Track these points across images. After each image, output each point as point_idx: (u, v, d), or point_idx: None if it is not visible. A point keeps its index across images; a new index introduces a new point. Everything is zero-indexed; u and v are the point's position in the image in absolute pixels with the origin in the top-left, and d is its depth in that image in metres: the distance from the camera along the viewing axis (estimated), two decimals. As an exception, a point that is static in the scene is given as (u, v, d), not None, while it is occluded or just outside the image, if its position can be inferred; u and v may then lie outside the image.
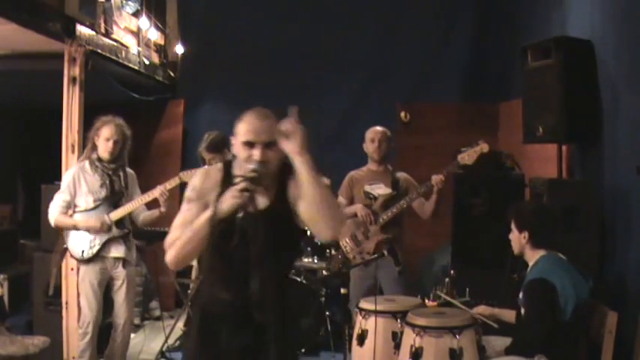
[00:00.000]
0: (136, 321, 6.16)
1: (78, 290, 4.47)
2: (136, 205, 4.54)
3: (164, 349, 5.25)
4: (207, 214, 2.41)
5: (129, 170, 4.64)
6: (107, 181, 4.48)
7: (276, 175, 2.56)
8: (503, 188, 4.69)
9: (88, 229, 4.39)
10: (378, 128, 4.82)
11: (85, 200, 4.43)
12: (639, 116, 3.63)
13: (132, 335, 5.02)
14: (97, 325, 4.47)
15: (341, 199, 4.78)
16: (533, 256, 3.45)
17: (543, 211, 3.58)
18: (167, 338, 5.28)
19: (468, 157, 4.35)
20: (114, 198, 4.50)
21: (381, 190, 4.65)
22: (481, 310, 3.73)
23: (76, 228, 4.41)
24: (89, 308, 4.42)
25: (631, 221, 3.71)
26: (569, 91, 4.10)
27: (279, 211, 2.53)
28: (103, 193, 4.46)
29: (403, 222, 4.77)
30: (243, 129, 2.51)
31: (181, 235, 2.49)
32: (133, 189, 4.65)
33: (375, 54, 7.22)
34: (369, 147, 4.79)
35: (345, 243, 4.67)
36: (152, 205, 4.61)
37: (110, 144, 4.45)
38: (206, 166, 2.74)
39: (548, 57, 4.22)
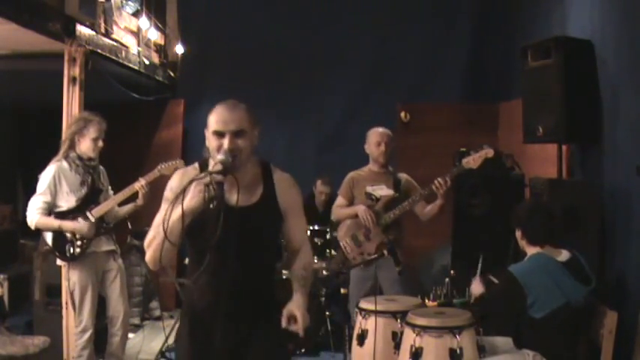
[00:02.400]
0: (136, 321, 6.16)
1: (71, 290, 4.39)
2: (117, 199, 4.50)
3: (164, 349, 5.26)
4: (177, 211, 2.39)
5: (101, 167, 4.60)
6: (88, 179, 4.42)
7: (259, 175, 2.62)
8: (503, 188, 4.69)
9: (73, 231, 4.32)
10: (382, 130, 4.74)
11: (66, 200, 4.35)
12: (639, 116, 3.63)
13: (131, 335, 5.03)
14: (94, 324, 4.44)
15: (341, 200, 4.77)
16: (530, 252, 3.52)
17: (536, 208, 3.62)
18: (167, 338, 5.28)
19: (472, 161, 4.29)
20: (94, 196, 4.44)
21: (382, 191, 4.62)
22: (476, 286, 3.81)
23: (60, 229, 4.33)
24: (86, 307, 4.38)
25: (631, 221, 3.71)
26: (569, 91, 4.10)
27: (265, 209, 2.59)
28: (83, 191, 4.39)
29: (404, 223, 4.75)
30: (213, 120, 2.56)
31: (157, 235, 2.48)
32: (107, 185, 4.63)
33: (375, 54, 7.23)
34: (374, 150, 4.71)
35: (346, 243, 4.65)
36: (129, 199, 4.59)
37: (99, 143, 4.41)
38: (183, 168, 2.74)
39: (548, 57, 4.22)
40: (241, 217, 2.46)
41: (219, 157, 2.47)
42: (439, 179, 4.36)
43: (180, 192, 2.39)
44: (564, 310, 3.27)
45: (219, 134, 2.52)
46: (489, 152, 4.27)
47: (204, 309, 2.58)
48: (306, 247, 2.78)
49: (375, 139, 4.72)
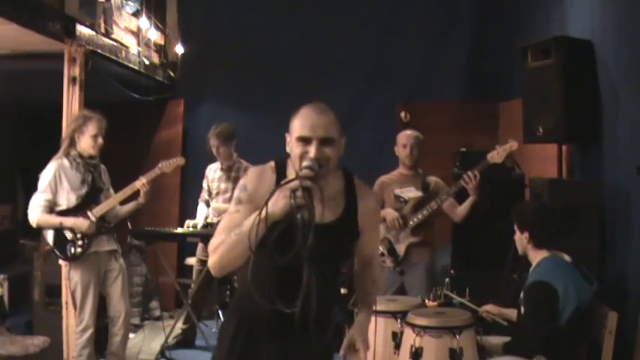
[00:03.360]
0: (136, 321, 6.16)
1: (72, 290, 4.39)
2: (118, 198, 4.50)
3: (164, 349, 5.26)
4: (255, 216, 2.17)
5: (102, 165, 4.59)
6: (89, 178, 4.41)
7: (343, 191, 2.42)
8: (503, 188, 4.69)
9: (74, 228, 4.32)
10: (409, 132, 4.73)
11: (67, 198, 4.35)
12: (639, 116, 3.63)
13: (131, 335, 5.02)
14: (95, 324, 4.44)
15: None
16: (535, 257, 3.44)
17: (544, 210, 3.56)
18: (167, 338, 5.29)
19: (497, 155, 4.27)
20: (94, 194, 4.44)
21: (411, 193, 4.59)
22: (489, 308, 3.75)
23: (62, 226, 4.32)
24: (87, 307, 4.39)
25: (631, 221, 3.72)
26: (569, 91, 4.11)
27: (344, 229, 2.39)
28: (84, 189, 4.38)
29: (433, 225, 4.70)
30: (299, 124, 2.31)
31: (226, 239, 2.27)
32: (108, 184, 4.62)
33: (375, 54, 7.23)
34: (401, 152, 4.70)
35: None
36: (131, 198, 4.59)
37: (99, 140, 4.40)
38: (259, 166, 2.52)
39: (548, 57, 4.22)
40: (319, 232, 2.18)
41: (306, 163, 2.23)
42: (468, 173, 4.32)
43: (269, 197, 2.17)
44: (575, 311, 3.26)
45: (305, 140, 2.27)
46: (514, 145, 4.24)
47: (257, 317, 2.40)
48: (377, 261, 2.63)
49: (401, 141, 4.72)
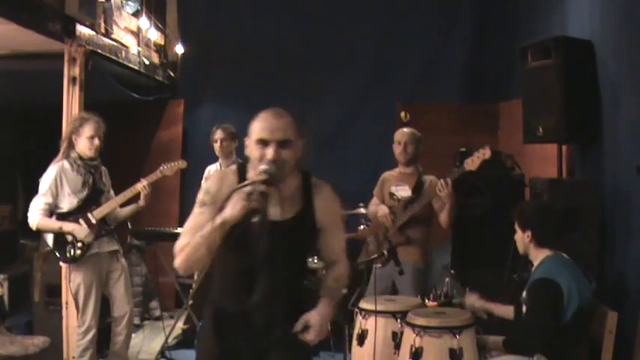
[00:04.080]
0: (136, 321, 6.15)
1: (75, 291, 4.39)
2: (119, 201, 4.50)
3: (164, 349, 5.26)
4: (217, 219, 2.31)
5: (103, 167, 4.60)
6: (89, 180, 4.41)
7: (299, 188, 2.50)
8: (503, 188, 4.69)
9: (73, 233, 4.31)
10: (405, 130, 4.76)
11: (68, 201, 4.35)
12: (639, 116, 3.63)
13: (132, 335, 5.02)
14: (97, 325, 4.45)
15: (374, 199, 4.83)
16: (537, 256, 3.44)
17: (545, 210, 3.56)
18: (167, 338, 5.29)
19: (471, 162, 4.30)
20: (95, 196, 4.44)
21: (404, 192, 4.64)
22: (473, 299, 3.77)
23: (61, 230, 4.32)
24: (90, 308, 4.38)
25: (631, 221, 3.71)
26: (569, 91, 4.10)
27: (303, 225, 2.47)
28: (85, 192, 4.39)
29: (430, 225, 4.69)
30: (257, 127, 2.43)
31: (191, 241, 2.38)
32: (109, 186, 4.62)
33: (375, 54, 7.23)
34: (395, 149, 4.73)
35: (370, 241, 4.75)
36: (131, 200, 4.60)
37: (95, 141, 4.39)
38: (222, 169, 2.67)
39: (548, 57, 4.22)
40: (276, 232, 2.34)
41: (263, 167, 2.35)
42: (440, 181, 4.35)
43: (224, 200, 2.30)
44: (577, 310, 3.26)
45: (263, 143, 2.39)
46: (486, 153, 4.26)
47: (231, 318, 2.48)
48: (342, 261, 2.66)
49: (396, 138, 4.76)
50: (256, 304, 2.37)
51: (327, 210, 2.53)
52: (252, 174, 2.42)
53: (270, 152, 2.37)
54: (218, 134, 5.49)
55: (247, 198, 2.28)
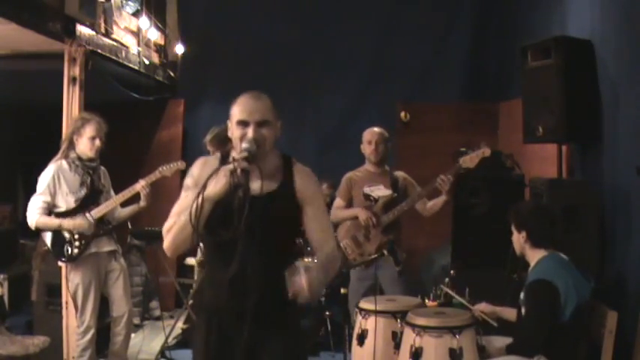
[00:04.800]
0: (136, 321, 6.16)
1: (73, 291, 4.39)
2: (118, 200, 4.51)
3: (164, 349, 5.26)
4: (198, 199, 2.39)
5: (102, 167, 4.60)
6: (87, 180, 4.41)
7: (280, 167, 2.60)
8: (503, 188, 4.68)
9: (74, 229, 4.32)
10: (375, 129, 4.78)
11: (65, 201, 4.35)
12: (639, 116, 3.63)
13: (131, 335, 5.02)
14: (96, 325, 4.44)
15: (339, 201, 4.76)
16: (534, 256, 3.44)
17: (541, 210, 3.58)
18: (167, 338, 5.29)
19: (470, 160, 4.31)
20: (94, 196, 4.43)
21: (380, 191, 4.63)
22: (482, 307, 3.74)
23: (60, 228, 4.32)
24: (88, 308, 4.39)
25: (631, 221, 3.71)
26: (569, 91, 4.10)
27: (283, 199, 2.55)
28: (83, 192, 4.39)
29: (402, 222, 4.75)
30: (237, 109, 2.56)
31: (177, 221, 2.49)
32: (109, 186, 4.62)
33: (375, 54, 7.23)
34: (366, 149, 4.75)
35: (346, 244, 4.64)
36: (132, 200, 4.60)
37: (96, 142, 4.40)
38: (205, 156, 2.73)
39: (548, 57, 4.22)
40: (257, 205, 2.41)
41: (244, 145, 2.47)
42: (442, 176, 4.37)
43: (207, 178, 2.39)
44: (575, 309, 3.27)
45: (244, 124, 2.52)
46: (486, 151, 4.27)
47: (222, 306, 2.53)
48: (330, 239, 2.68)
49: (366, 137, 4.77)
50: (234, 276, 2.43)
51: (307, 185, 2.61)
52: (234, 155, 2.52)
53: (250, 132, 2.50)
54: (209, 147, 5.45)
55: (230, 174, 2.39)
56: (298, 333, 2.68)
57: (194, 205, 2.37)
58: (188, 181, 2.60)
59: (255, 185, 2.45)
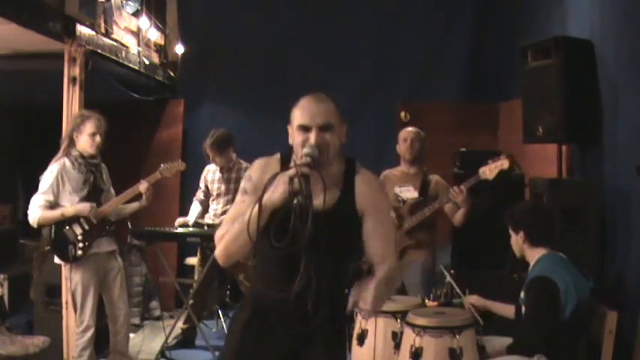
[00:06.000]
0: (136, 321, 6.16)
1: (73, 290, 4.38)
2: (120, 200, 4.51)
3: (164, 349, 5.26)
4: (254, 204, 2.22)
5: (103, 165, 4.59)
6: (90, 178, 4.40)
7: (341, 175, 2.42)
8: (503, 188, 4.68)
9: (76, 213, 4.29)
10: (411, 129, 4.78)
11: (69, 199, 4.33)
12: (639, 116, 3.63)
13: (131, 335, 5.02)
14: (95, 324, 4.44)
15: None
16: (533, 256, 3.45)
17: (536, 209, 3.60)
18: (167, 338, 5.29)
19: (489, 171, 4.27)
20: (95, 195, 4.43)
21: (409, 193, 4.58)
22: (474, 300, 3.77)
23: (63, 217, 4.29)
24: (88, 307, 4.38)
25: (631, 221, 3.72)
26: (569, 91, 4.10)
27: (343, 213, 2.38)
28: (85, 190, 4.38)
29: (436, 225, 4.68)
30: (299, 113, 2.37)
31: (230, 228, 2.32)
32: (109, 184, 4.62)
33: (376, 53, 7.23)
34: (401, 147, 4.72)
35: None
36: (132, 198, 4.61)
37: (97, 139, 4.38)
38: (265, 157, 2.56)
39: (548, 57, 4.22)
40: (318, 220, 2.22)
41: (306, 150, 2.29)
42: (455, 188, 4.34)
43: (266, 184, 2.22)
44: (575, 307, 3.27)
45: (305, 128, 2.33)
46: (505, 164, 4.23)
47: (270, 307, 2.41)
48: (392, 259, 2.45)
49: (402, 136, 4.76)
50: (298, 293, 2.26)
51: (366, 195, 2.41)
52: (295, 161, 2.36)
53: (312, 137, 2.32)
54: (208, 152, 5.47)
55: (289, 181, 2.20)
56: (343, 352, 2.54)
57: (250, 213, 2.21)
58: (246, 185, 2.42)
59: (318, 197, 2.23)
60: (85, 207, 4.32)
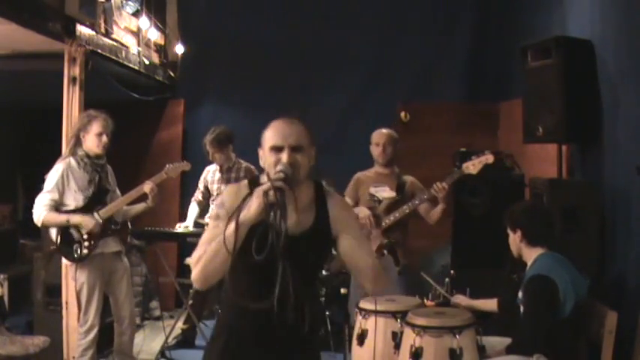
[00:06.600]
0: (137, 321, 6.16)
1: (78, 290, 4.39)
2: (125, 200, 4.50)
3: (164, 349, 5.26)
4: (233, 224, 2.26)
5: (108, 165, 4.59)
6: (96, 178, 4.40)
7: (313, 197, 2.49)
8: (503, 188, 4.69)
9: (80, 224, 4.29)
10: (384, 131, 4.77)
11: (74, 198, 4.32)
12: (639, 116, 3.63)
13: (135, 334, 5.02)
14: (99, 324, 4.44)
15: (347, 200, 4.77)
16: (530, 255, 3.46)
17: (533, 208, 3.61)
18: (167, 338, 5.29)
19: (472, 166, 4.29)
20: (101, 195, 4.42)
21: (385, 193, 4.60)
22: (460, 300, 3.80)
23: (68, 223, 4.29)
24: (92, 307, 4.37)
25: (631, 221, 3.72)
26: (569, 91, 4.11)
27: (318, 237, 2.45)
28: (91, 190, 4.37)
29: (408, 225, 4.71)
30: (270, 134, 2.43)
31: (207, 249, 2.35)
32: (114, 185, 4.62)
33: (375, 53, 7.23)
34: (374, 150, 4.74)
35: None
36: (137, 199, 4.61)
37: (103, 139, 4.38)
38: (235, 184, 2.61)
39: (548, 57, 4.22)
40: (292, 243, 2.28)
41: (279, 167, 2.34)
42: (437, 184, 4.36)
43: (240, 203, 2.28)
44: (574, 306, 3.27)
45: (278, 149, 2.39)
46: (489, 158, 4.26)
47: (247, 327, 2.45)
48: (379, 266, 2.57)
49: (374, 139, 4.76)
50: (278, 302, 2.30)
51: (343, 217, 2.52)
52: (265, 181, 2.39)
53: (284, 156, 2.37)
54: (208, 148, 5.48)
55: (264, 194, 2.25)
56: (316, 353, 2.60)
57: (228, 230, 2.25)
58: (219, 211, 2.44)
59: (291, 219, 2.30)
60: (90, 222, 4.30)
